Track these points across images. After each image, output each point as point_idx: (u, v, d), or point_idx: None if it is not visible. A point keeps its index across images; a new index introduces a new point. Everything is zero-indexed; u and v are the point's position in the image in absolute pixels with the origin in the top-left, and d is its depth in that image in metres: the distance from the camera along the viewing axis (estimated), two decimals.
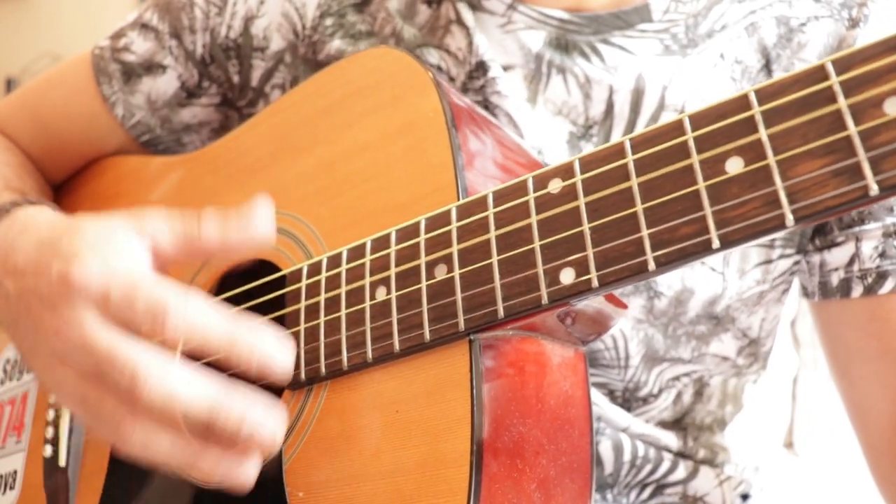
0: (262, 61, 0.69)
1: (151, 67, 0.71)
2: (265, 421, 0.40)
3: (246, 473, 0.41)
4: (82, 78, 0.73)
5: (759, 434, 0.75)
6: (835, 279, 0.62)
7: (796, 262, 0.65)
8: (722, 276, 0.61)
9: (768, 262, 0.63)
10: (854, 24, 0.61)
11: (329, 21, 0.67)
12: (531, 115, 0.62)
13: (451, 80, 0.64)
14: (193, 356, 0.46)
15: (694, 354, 0.64)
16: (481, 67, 0.62)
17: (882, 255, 0.60)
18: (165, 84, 0.72)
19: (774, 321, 0.68)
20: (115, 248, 0.43)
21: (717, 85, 0.61)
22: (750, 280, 0.63)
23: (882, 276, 0.60)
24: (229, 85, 0.72)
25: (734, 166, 0.35)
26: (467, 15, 0.63)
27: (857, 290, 0.61)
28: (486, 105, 0.62)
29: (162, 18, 0.71)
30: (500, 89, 0.61)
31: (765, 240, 0.62)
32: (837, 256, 0.62)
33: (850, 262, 0.61)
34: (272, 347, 0.41)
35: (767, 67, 0.61)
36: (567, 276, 0.40)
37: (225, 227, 0.45)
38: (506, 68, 0.63)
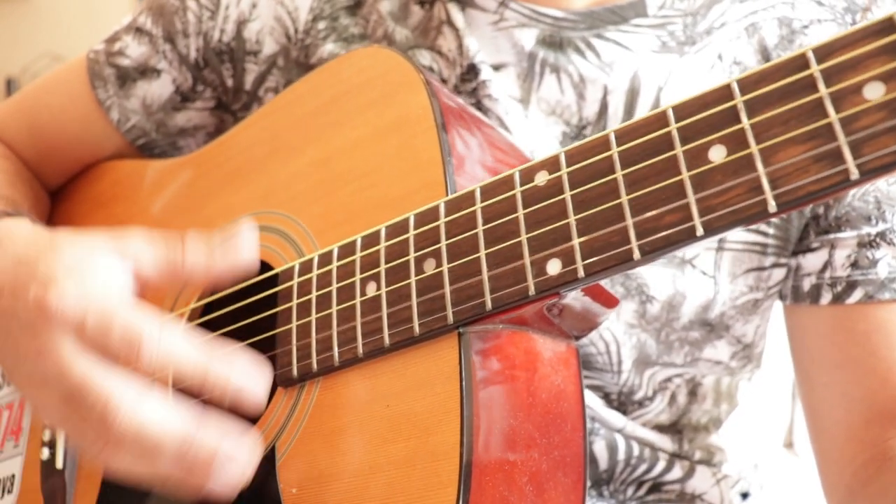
0: (256, 65, 0.70)
1: (146, 71, 0.72)
2: (236, 453, 0.41)
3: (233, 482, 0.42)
4: (77, 83, 0.74)
5: (758, 433, 0.75)
6: (806, 284, 0.62)
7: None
8: (713, 280, 0.61)
9: (760, 268, 0.63)
10: None
11: (321, 25, 0.67)
12: (524, 116, 0.62)
13: (444, 81, 0.64)
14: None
15: (687, 360, 0.64)
16: (472, 70, 0.62)
17: (854, 264, 0.60)
18: (160, 88, 0.72)
19: (766, 324, 0.68)
20: (93, 272, 0.43)
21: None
22: (742, 285, 0.62)
23: (851, 286, 0.59)
24: (223, 88, 0.72)
25: (717, 155, 0.36)
26: (457, 16, 0.63)
27: (826, 298, 0.61)
28: (479, 107, 0.62)
29: (156, 23, 0.71)
30: (492, 92, 0.61)
31: (757, 245, 0.62)
32: (811, 262, 0.62)
33: (823, 269, 0.61)
34: (246, 378, 0.42)
35: None
36: (553, 267, 0.40)
37: (209, 253, 0.46)
38: (498, 67, 0.62)
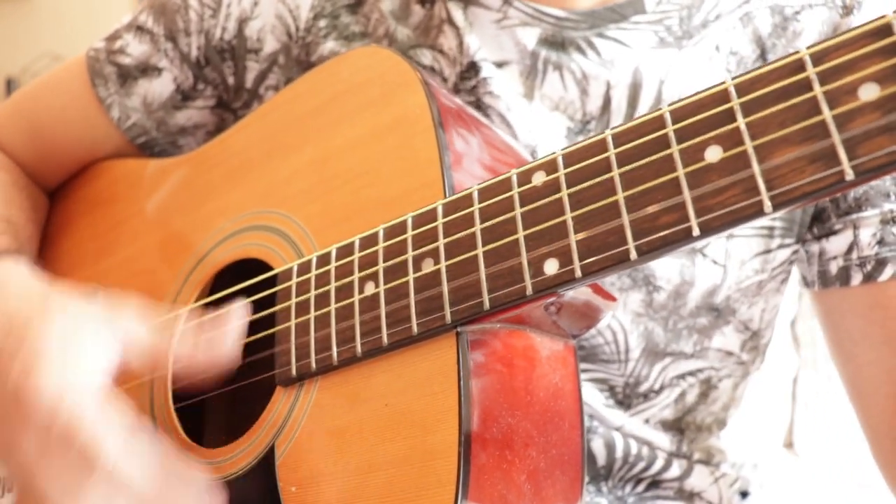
0: (257, 63, 0.70)
1: (147, 70, 0.72)
2: None
3: None
4: (77, 81, 0.74)
5: (759, 433, 0.75)
6: (834, 267, 0.62)
7: (795, 252, 0.65)
8: (723, 269, 0.62)
9: (767, 251, 0.63)
10: (847, 11, 0.61)
11: (323, 23, 0.68)
12: (527, 111, 0.62)
13: (444, 80, 0.64)
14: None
15: (696, 349, 0.64)
16: (473, 68, 0.62)
17: (880, 242, 0.60)
18: (161, 86, 0.72)
19: (773, 311, 0.68)
20: (78, 352, 0.45)
21: (713, 77, 0.61)
22: (749, 269, 0.63)
23: (881, 264, 0.60)
24: (224, 87, 0.72)
25: (713, 154, 0.36)
26: (457, 14, 0.63)
27: (857, 278, 0.61)
28: (479, 105, 0.62)
29: (157, 21, 0.72)
30: (493, 89, 0.62)
31: (764, 229, 0.62)
32: (836, 244, 0.62)
33: (849, 250, 0.61)
34: None
35: (763, 57, 0.62)
36: (551, 267, 0.40)
37: (195, 345, 0.49)
38: (501, 64, 0.63)
